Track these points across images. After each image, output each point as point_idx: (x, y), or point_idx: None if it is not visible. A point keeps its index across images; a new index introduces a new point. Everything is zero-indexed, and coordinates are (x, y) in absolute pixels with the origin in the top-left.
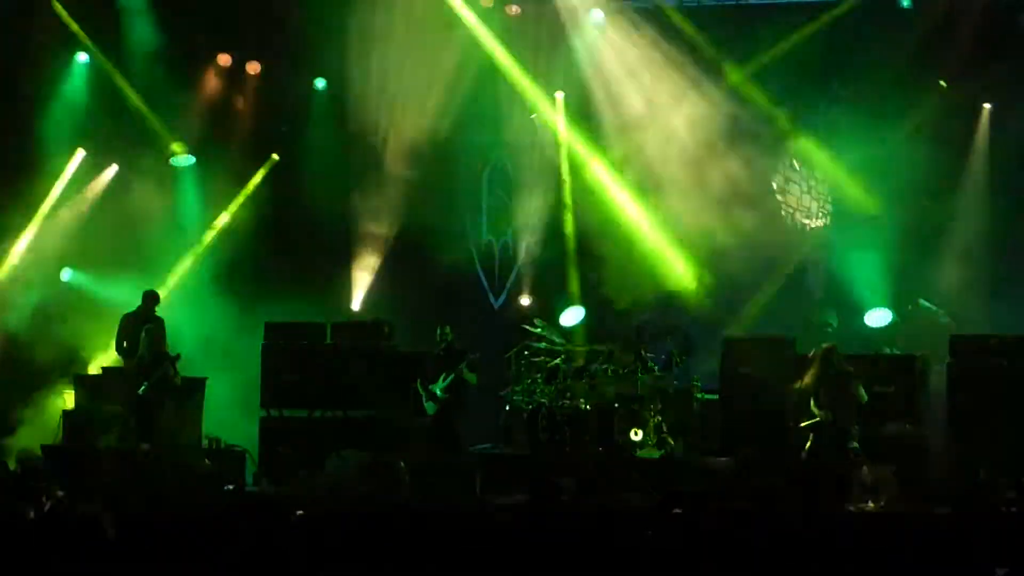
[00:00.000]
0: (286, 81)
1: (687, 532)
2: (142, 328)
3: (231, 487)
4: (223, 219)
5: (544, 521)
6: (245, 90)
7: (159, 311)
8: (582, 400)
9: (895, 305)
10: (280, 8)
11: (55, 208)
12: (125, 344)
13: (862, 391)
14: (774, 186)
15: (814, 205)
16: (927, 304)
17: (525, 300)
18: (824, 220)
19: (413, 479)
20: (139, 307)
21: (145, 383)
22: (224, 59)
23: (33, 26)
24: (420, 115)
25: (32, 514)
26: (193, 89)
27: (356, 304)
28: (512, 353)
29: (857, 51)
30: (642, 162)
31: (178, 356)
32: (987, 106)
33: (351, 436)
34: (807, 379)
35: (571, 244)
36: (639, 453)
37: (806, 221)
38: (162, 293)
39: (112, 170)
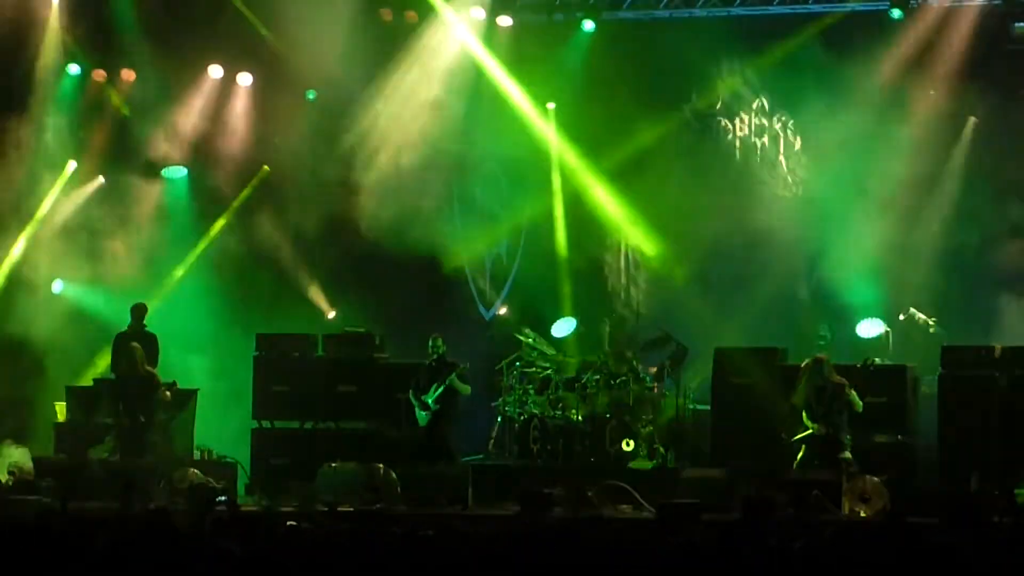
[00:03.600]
0: (277, 92)
1: (679, 543)
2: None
3: (223, 499)
4: (215, 230)
5: (534, 532)
6: (236, 101)
7: (152, 324)
8: (574, 411)
9: (886, 315)
10: (271, 19)
11: (47, 219)
12: (124, 363)
13: (856, 398)
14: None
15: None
16: (918, 314)
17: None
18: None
19: (405, 490)
20: (130, 323)
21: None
22: (215, 70)
23: (26, 37)
24: (413, 126)
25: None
26: (184, 100)
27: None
28: (504, 364)
29: (848, 62)
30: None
31: (173, 383)
32: (972, 119)
33: (343, 447)
34: (798, 392)
35: (562, 254)
36: (631, 464)
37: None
38: (154, 304)
39: (99, 181)
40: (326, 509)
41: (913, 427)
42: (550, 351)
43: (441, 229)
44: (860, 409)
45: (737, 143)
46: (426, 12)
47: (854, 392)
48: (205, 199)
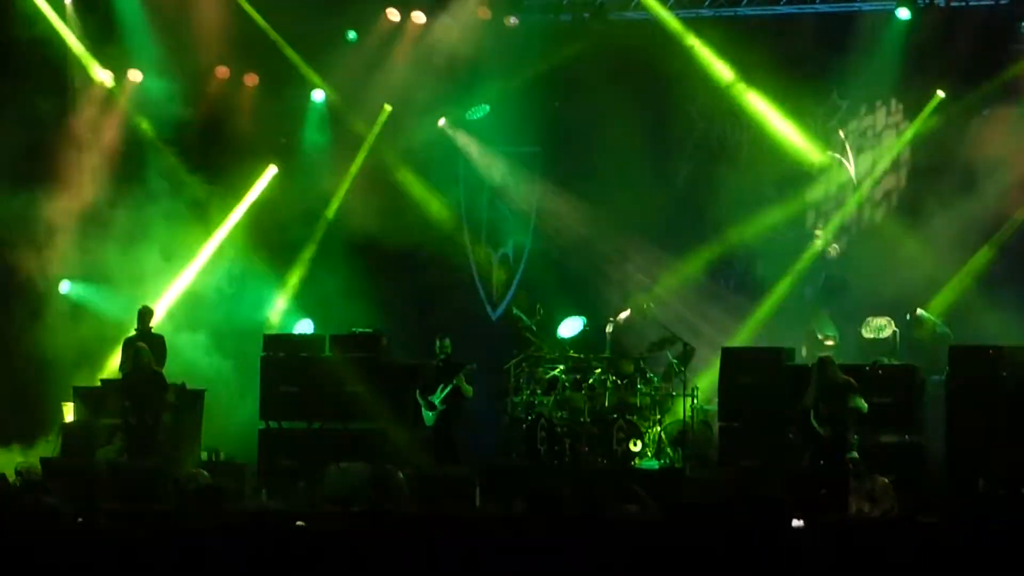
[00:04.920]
0: (283, 92)
1: (687, 543)
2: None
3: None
4: (222, 230)
5: (542, 532)
6: (243, 102)
7: (157, 325)
8: (581, 411)
9: (895, 315)
10: (277, 21)
11: (54, 220)
12: (131, 364)
13: (861, 402)
14: None
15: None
16: (926, 314)
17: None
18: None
19: (412, 490)
20: (137, 326)
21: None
22: (222, 71)
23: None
24: (420, 127)
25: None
26: (191, 101)
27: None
28: (511, 363)
29: (855, 62)
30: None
31: (181, 385)
32: (978, 119)
33: (350, 448)
34: (808, 394)
35: (570, 254)
36: (638, 464)
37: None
38: (161, 306)
39: (107, 182)
40: (333, 510)
41: (921, 427)
42: (557, 351)
43: (447, 229)
44: (865, 411)
45: (744, 143)
46: (433, 12)
47: (859, 399)
48: (211, 199)
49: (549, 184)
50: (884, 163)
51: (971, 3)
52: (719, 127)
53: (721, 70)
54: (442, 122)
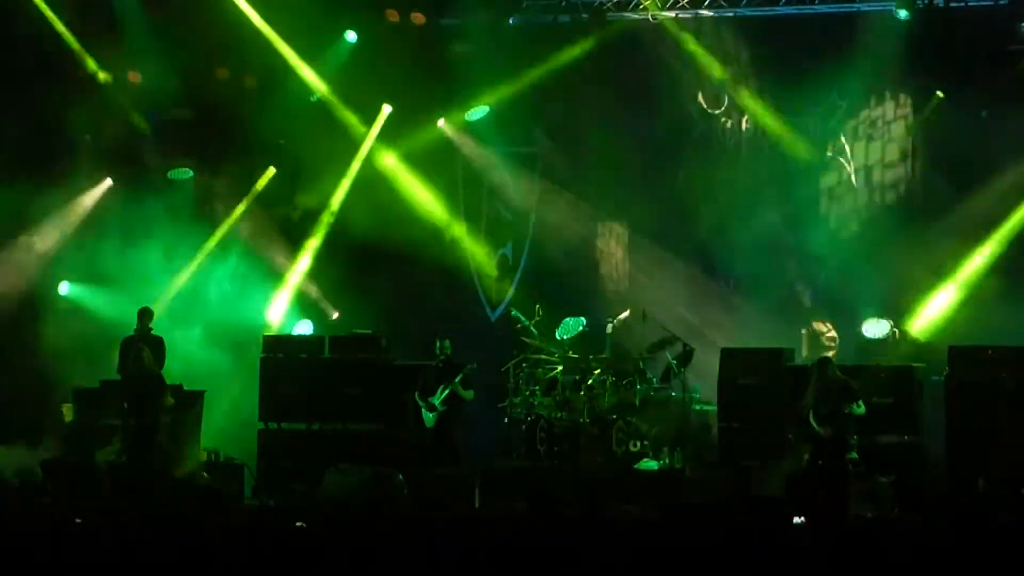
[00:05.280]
0: (283, 92)
1: (687, 543)
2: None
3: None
4: (221, 231)
5: (542, 532)
6: (243, 102)
7: (157, 327)
8: (580, 412)
9: (893, 316)
10: (276, 21)
11: (55, 221)
12: (131, 365)
13: (859, 408)
14: None
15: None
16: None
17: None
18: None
19: (412, 491)
20: (136, 327)
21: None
22: (222, 71)
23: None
24: (420, 127)
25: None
26: (191, 101)
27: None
28: (510, 365)
29: (855, 62)
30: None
31: (179, 386)
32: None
33: (350, 449)
34: (808, 395)
35: (569, 254)
36: (637, 465)
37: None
38: (160, 306)
39: (106, 183)
40: (333, 510)
41: (921, 427)
42: (557, 352)
43: (447, 229)
44: (862, 413)
45: (743, 143)
46: (433, 12)
47: (856, 405)
48: (211, 201)
49: (549, 184)
50: (883, 163)
51: (971, 3)
52: (718, 127)
53: (720, 70)
54: (442, 122)
